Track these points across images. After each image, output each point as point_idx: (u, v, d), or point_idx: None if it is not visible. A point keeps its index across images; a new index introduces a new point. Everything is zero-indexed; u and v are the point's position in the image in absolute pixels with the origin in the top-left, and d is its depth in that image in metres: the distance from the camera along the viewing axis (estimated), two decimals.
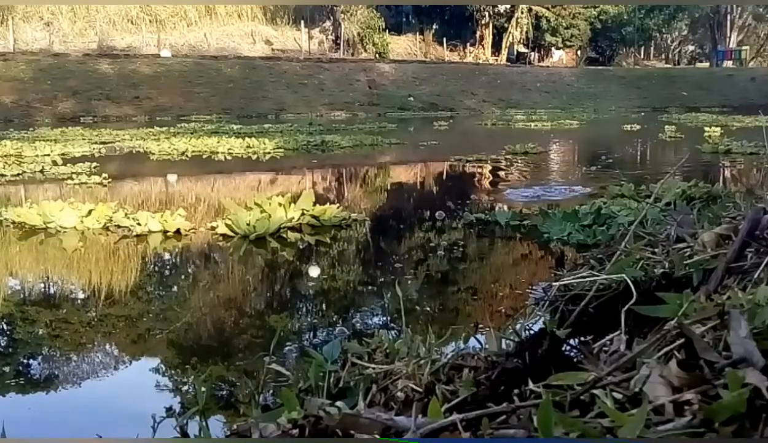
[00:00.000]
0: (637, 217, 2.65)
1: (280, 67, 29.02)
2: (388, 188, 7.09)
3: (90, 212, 4.48)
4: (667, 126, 14.50)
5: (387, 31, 34.60)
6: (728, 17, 45.84)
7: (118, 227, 4.37)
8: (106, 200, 5.17)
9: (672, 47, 50.46)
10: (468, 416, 1.15)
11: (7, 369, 2.20)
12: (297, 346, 2.34)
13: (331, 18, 34.03)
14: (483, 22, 37.62)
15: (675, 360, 1.18)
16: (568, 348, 1.57)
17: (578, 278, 2.11)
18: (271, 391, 1.79)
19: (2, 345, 2.49)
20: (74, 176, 7.11)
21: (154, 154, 10.31)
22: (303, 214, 4.43)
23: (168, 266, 3.68)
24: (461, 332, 1.78)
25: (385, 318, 2.67)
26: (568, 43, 39.11)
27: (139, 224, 4.27)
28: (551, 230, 3.94)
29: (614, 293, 1.95)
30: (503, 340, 1.57)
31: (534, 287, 2.81)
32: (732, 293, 1.42)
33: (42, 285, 3.27)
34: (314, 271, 3.48)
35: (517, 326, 1.79)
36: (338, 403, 1.32)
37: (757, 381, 1.01)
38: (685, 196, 4.32)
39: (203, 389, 1.55)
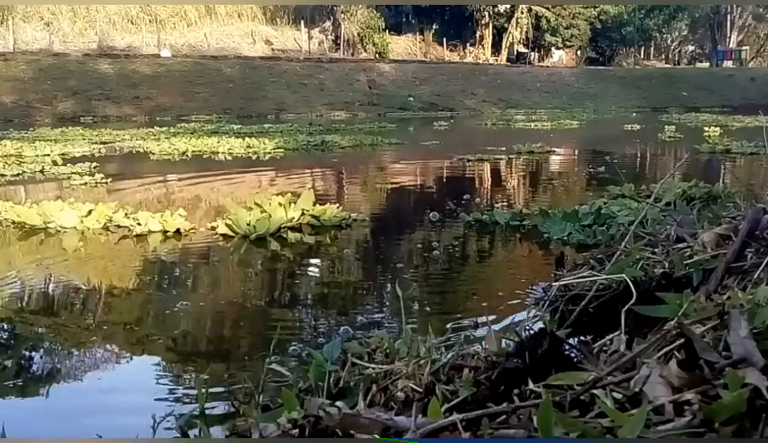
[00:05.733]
0: (637, 217, 2.65)
1: (280, 67, 29.01)
2: (388, 188, 7.09)
3: (90, 212, 4.48)
4: (666, 126, 14.50)
5: (387, 31, 34.60)
6: (728, 17, 45.84)
7: (118, 227, 4.37)
8: (106, 200, 5.17)
9: (672, 47, 50.46)
10: (468, 416, 1.15)
11: (7, 368, 2.20)
12: (298, 346, 2.34)
13: (331, 18, 34.03)
14: (483, 22, 37.62)
15: (675, 360, 1.18)
16: (568, 348, 1.57)
17: (578, 278, 2.11)
18: (270, 393, 1.79)
19: (2, 344, 2.49)
20: (74, 176, 7.13)
21: (154, 154, 10.31)
22: (303, 214, 4.43)
23: (167, 266, 3.67)
24: (461, 332, 1.78)
25: (384, 318, 2.66)
26: (568, 43, 39.11)
27: (139, 224, 4.28)
28: (551, 230, 3.94)
29: (614, 293, 1.95)
30: (503, 340, 1.57)
31: (534, 287, 2.81)
32: (732, 293, 1.42)
33: (42, 285, 3.26)
34: (314, 271, 3.48)
35: (517, 327, 1.79)
36: (338, 403, 1.32)
37: (757, 381, 1.01)
38: (685, 196, 4.32)
39: (203, 390, 1.55)
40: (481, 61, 36.88)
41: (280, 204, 4.43)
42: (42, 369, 2.24)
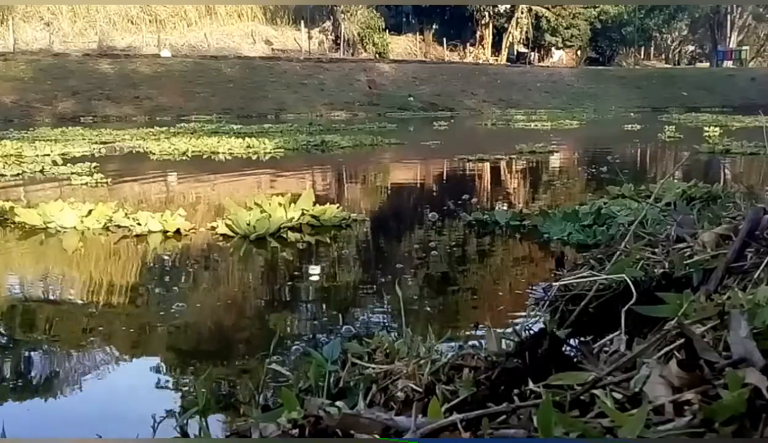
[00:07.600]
0: (637, 217, 2.65)
1: (280, 67, 29.01)
2: (388, 188, 7.09)
3: (90, 212, 4.48)
4: (667, 126, 14.48)
5: (387, 31, 34.59)
6: (728, 17, 45.82)
7: (118, 227, 4.37)
8: (106, 200, 5.17)
9: (672, 47, 50.42)
10: (468, 416, 1.15)
11: (7, 369, 2.20)
12: (298, 346, 2.34)
13: (331, 18, 34.02)
14: (483, 22, 37.61)
15: (675, 360, 1.18)
16: (568, 348, 1.57)
17: (578, 278, 2.11)
18: (271, 392, 1.79)
19: (2, 345, 2.49)
20: (75, 176, 7.12)
21: (154, 154, 10.31)
22: (303, 214, 4.43)
23: (168, 266, 3.67)
24: (461, 332, 1.78)
25: (385, 318, 2.66)
26: (568, 43, 39.09)
27: (139, 224, 4.27)
28: (551, 230, 3.94)
29: (614, 293, 1.95)
30: (503, 340, 1.57)
31: (534, 287, 2.81)
32: (732, 293, 1.42)
33: (41, 285, 3.26)
34: (314, 271, 3.48)
35: (517, 327, 1.79)
36: (338, 403, 1.32)
37: (757, 381, 1.01)
38: (685, 196, 4.32)
39: (203, 390, 1.55)
40: (481, 61, 36.87)
41: (279, 204, 4.43)
42: (42, 369, 2.24)
